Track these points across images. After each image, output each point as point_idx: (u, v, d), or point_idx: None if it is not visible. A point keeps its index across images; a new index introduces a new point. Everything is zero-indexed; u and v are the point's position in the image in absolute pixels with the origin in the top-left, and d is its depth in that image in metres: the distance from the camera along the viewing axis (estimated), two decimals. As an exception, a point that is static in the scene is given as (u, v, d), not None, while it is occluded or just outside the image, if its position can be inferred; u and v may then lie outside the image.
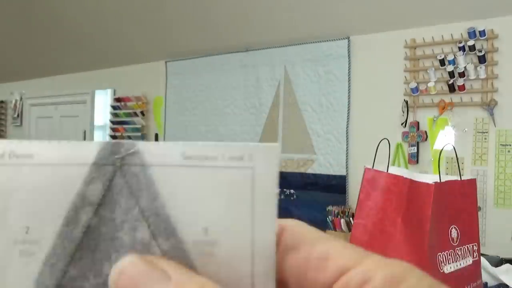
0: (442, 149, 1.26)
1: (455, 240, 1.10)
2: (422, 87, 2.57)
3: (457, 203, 1.12)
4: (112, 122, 4.23)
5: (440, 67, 2.51)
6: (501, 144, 2.36)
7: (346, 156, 2.85)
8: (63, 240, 0.25)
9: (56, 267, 0.25)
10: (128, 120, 4.11)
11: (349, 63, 2.86)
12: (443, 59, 2.48)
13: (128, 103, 4.08)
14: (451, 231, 1.09)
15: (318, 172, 2.96)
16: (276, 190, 0.24)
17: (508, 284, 1.46)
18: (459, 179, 1.15)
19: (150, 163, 0.25)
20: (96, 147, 0.25)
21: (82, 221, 0.25)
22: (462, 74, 2.43)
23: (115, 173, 0.25)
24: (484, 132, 2.41)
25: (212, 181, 0.25)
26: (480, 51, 2.38)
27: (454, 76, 2.46)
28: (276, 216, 0.24)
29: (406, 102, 2.63)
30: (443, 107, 2.51)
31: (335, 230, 2.54)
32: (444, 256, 1.05)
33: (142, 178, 0.25)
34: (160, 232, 0.25)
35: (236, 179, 0.25)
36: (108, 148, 0.25)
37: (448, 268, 1.05)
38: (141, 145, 0.25)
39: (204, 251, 0.25)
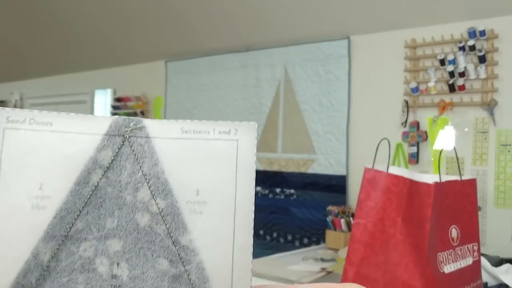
0: (442, 149, 1.26)
1: (455, 240, 1.10)
2: (422, 87, 2.57)
3: (457, 203, 1.12)
4: (112, 122, 4.22)
5: (440, 67, 2.51)
6: (501, 144, 2.36)
7: (347, 156, 2.85)
8: (74, 196, 0.29)
9: (65, 220, 0.28)
10: (128, 120, 4.10)
11: (349, 63, 2.86)
12: (443, 59, 2.48)
13: (128, 103, 4.08)
14: (451, 231, 1.09)
15: (318, 172, 2.96)
16: (254, 158, 0.30)
17: (508, 284, 1.46)
18: (459, 179, 1.15)
19: (154, 136, 0.30)
20: (108, 121, 0.30)
21: (92, 181, 0.29)
22: (462, 74, 2.43)
23: (123, 143, 0.30)
24: (484, 132, 2.41)
25: (204, 151, 0.30)
26: (480, 51, 2.38)
27: (454, 76, 2.46)
28: (254, 179, 0.30)
29: (406, 102, 2.63)
30: (443, 107, 2.51)
31: (335, 230, 2.54)
32: (444, 256, 1.05)
33: (146, 147, 0.30)
34: (159, 192, 0.29)
35: (224, 149, 0.30)
36: (118, 122, 0.30)
37: (448, 268, 1.05)
38: (146, 121, 0.31)
39: (195, 209, 0.29)
